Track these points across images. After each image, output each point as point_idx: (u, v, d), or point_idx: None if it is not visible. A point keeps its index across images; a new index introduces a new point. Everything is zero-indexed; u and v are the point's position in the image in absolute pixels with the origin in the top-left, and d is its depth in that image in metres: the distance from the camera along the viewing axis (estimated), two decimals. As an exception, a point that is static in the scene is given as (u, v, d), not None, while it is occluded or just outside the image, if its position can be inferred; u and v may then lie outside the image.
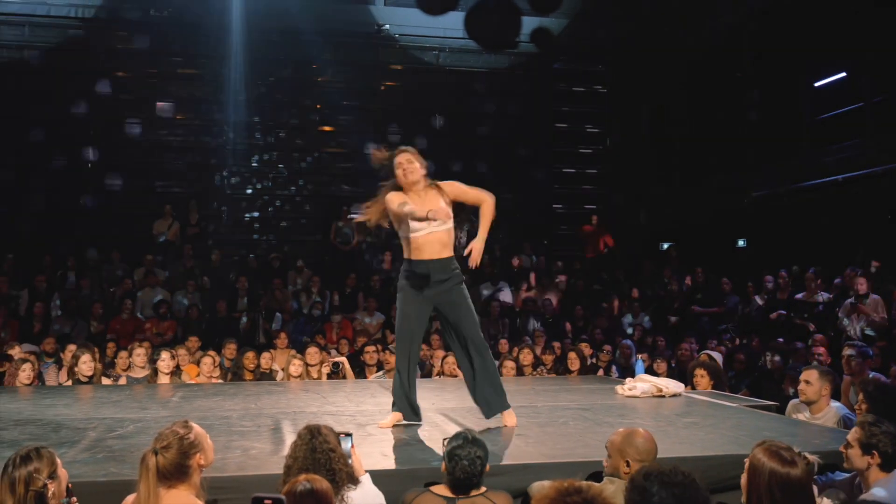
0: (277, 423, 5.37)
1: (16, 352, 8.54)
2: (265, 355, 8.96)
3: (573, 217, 16.14)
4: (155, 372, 7.91)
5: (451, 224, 5.24)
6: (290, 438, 3.65)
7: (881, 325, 9.28)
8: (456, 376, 8.63)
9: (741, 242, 15.02)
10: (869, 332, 9.22)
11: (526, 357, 9.22)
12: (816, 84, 13.61)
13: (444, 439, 3.71)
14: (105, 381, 8.08)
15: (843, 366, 6.72)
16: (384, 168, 5.30)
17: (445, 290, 5.18)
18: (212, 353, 8.82)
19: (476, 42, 15.67)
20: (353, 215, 14.21)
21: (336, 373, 8.40)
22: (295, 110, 15.72)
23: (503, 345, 10.29)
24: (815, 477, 3.82)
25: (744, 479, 3.33)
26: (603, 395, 6.90)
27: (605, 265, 14.66)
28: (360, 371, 9.18)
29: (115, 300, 11.98)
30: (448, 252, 5.22)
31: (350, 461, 3.59)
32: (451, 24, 15.27)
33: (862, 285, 9.58)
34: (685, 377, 7.87)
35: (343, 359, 8.84)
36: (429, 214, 4.86)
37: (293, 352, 9.24)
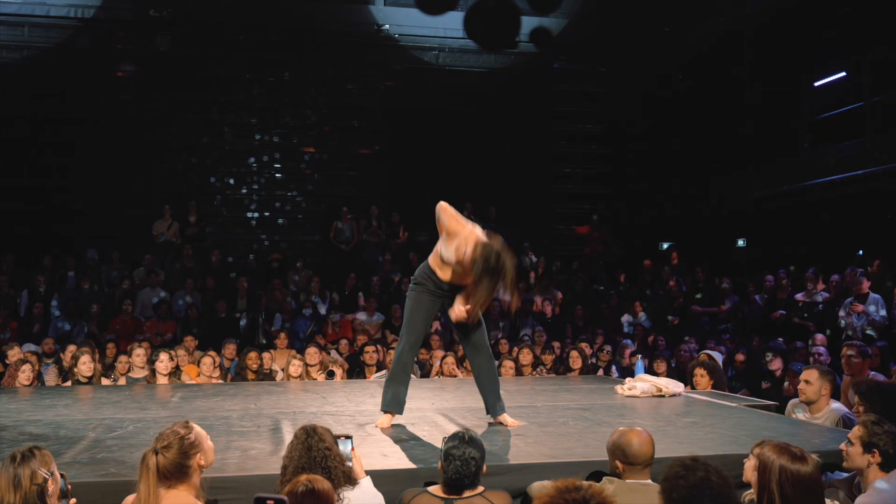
0: (277, 424, 5.37)
1: (14, 353, 8.53)
2: (265, 355, 8.97)
3: (573, 217, 16.15)
4: (154, 373, 7.91)
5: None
6: (289, 439, 3.66)
7: (881, 324, 9.29)
8: (455, 376, 8.65)
9: (741, 242, 15.02)
10: (869, 331, 9.22)
11: (525, 357, 9.24)
12: (816, 84, 13.61)
13: (444, 438, 3.72)
14: (105, 381, 8.09)
15: (843, 365, 6.72)
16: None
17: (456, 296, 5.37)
18: (212, 353, 8.82)
19: (476, 42, 15.68)
20: (350, 216, 14.25)
21: (331, 378, 8.41)
22: (294, 110, 15.71)
23: (503, 345, 10.30)
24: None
25: (752, 477, 3.35)
26: (603, 395, 6.91)
27: (604, 265, 14.66)
28: (359, 371, 9.18)
29: (115, 300, 11.98)
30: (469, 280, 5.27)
31: (349, 463, 3.60)
32: (451, 24, 15.26)
33: (862, 285, 9.59)
34: (685, 377, 7.88)
35: (338, 368, 8.80)
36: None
37: (293, 352, 9.25)
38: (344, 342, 10.49)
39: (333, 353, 9.94)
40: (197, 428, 3.31)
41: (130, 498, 3.25)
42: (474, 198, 14.60)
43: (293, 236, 15.48)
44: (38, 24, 14.19)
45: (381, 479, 3.88)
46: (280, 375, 8.82)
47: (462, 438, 3.62)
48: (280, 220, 15.57)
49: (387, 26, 15.16)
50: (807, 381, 5.62)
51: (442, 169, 14.87)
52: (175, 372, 8.09)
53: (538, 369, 9.30)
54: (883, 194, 11.64)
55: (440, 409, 6.10)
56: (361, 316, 11.97)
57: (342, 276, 13.09)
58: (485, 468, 3.68)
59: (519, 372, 9.02)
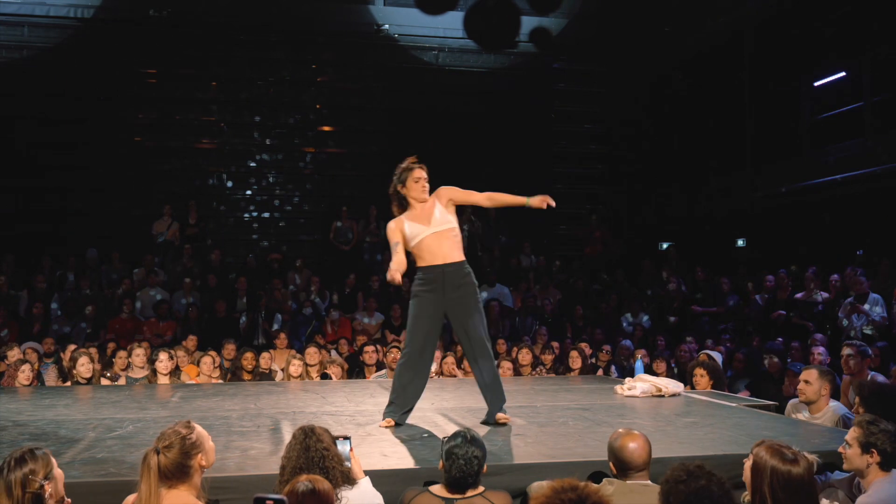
0: (277, 424, 5.38)
1: (14, 353, 8.52)
2: (264, 355, 8.97)
3: (573, 217, 16.15)
4: (154, 373, 7.92)
5: (453, 226, 5.36)
6: (289, 439, 3.66)
7: (881, 324, 9.29)
8: (454, 376, 8.65)
9: (741, 242, 15.03)
10: (869, 331, 9.22)
11: (525, 357, 9.24)
12: (816, 84, 13.62)
13: (444, 438, 3.72)
14: (104, 381, 8.09)
15: (843, 365, 6.73)
16: (399, 174, 5.47)
17: (458, 297, 5.25)
18: (212, 353, 8.83)
19: (475, 42, 15.69)
20: (350, 216, 14.24)
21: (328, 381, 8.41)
22: (294, 110, 15.71)
23: (501, 344, 10.30)
24: (815, 476, 3.83)
25: (747, 477, 3.35)
26: (602, 395, 6.91)
27: (604, 265, 14.67)
28: (359, 371, 9.19)
29: (115, 300, 11.98)
30: (458, 256, 5.29)
31: (348, 464, 3.60)
32: (451, 23, 15.29)
33: (862, 285, 9.60)
34: (685, 377, 7.88)
35: (337, 367, 8.80)
36: (388, 276, 5.07)
37: (293, 352, 9.26)
38: (343, 342, 10.50)
39: (333, 353, 9.95)
40: (198, 428, 3.31)
41: (131, 498, 3.26)
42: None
43: (293, 236, 15.49)
44: (38, 24, 14.20)
45: (381, 479, 3.88)
46: (280, 375, 8.83)
47: (464, 437, 3.63)
48: (280, 221, 15.57)
49: (386, 26, 15.17)
50: (806, 381, 5.63)
51: (441, 169, 14.78)
52: (175, 372, 8.09)
53: (538, 369, 9.30)
54: (883, 194, 11.64)
55: (440, 409, 6.10)
56: (361, 316, 11.98)
57: (342, 276, 13.09)
58: (485, 468, 3.69)
59: (518, 372, 9.02)
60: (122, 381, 8.09)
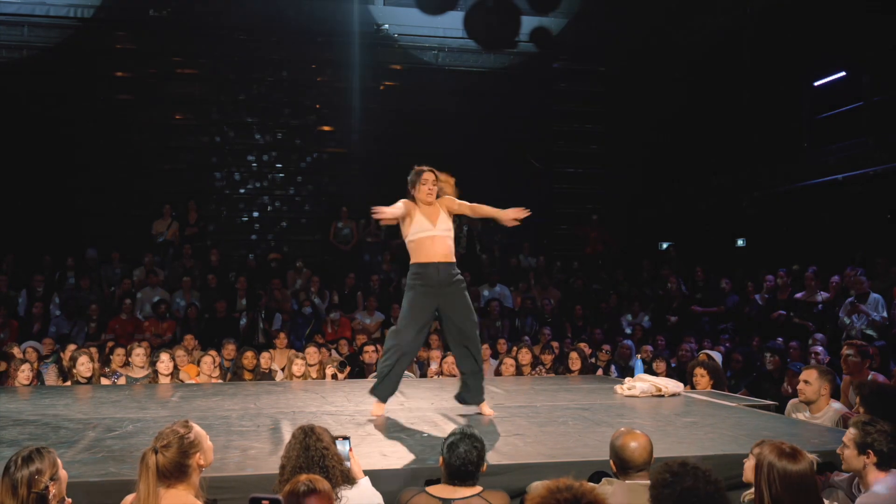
0: (276, 423, 5.38)
1: (15, 352, 8.53)
2: (264, 355, 8.97)
3: (573, 216, 16.14)
4: (155, 373, 7.92)
5: (452, 234, 5.86)
6: (288, 438, 3.66)
7: (881, 324, 9.29)
8: (455, 376, 8.64)
9: (741, 242, 15.02)
10: (869, 332, 9.22)
11: (524, 357, 9.23)
12: (816, 83, 13.62)
13: (444, 438, 3.74)
14: (104, 381, 8.09)
15: (842, 365, 6.73)
16: (412, 176, 5.98)
17: (450, 292, 5.67)
18: (212, 352, 8.82)
19: (475, 42, 15.68)
20: (350, 216, 14.24)
21: (342, 371, 8.39)
22: (294, 110, 15.71)
23: (501, 344, 10.31)
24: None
25: (749, 475, 3.36)
26: (602, 395, 6.91)
27: (604, 265, 14.66)
28: (359, 371, 9.19)
29: (115, 300, 11.98)
30: (451, 258, 5.77)
31: (347, 463, 3.60)
32: (451, 23, 15.28)
33: (862, 285, 9.60)
34: (686, 377, 7.88)
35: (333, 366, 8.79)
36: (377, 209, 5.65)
37: (294, 352, 9.25)
38: (343, 342, 10.50)
39: (333, 352, 9.94)
40: (196, 427, 3.31)
41: (130, 497, 3.26)
42: (473, 197, 14.55)
43: (293, 236, 15.48)
44: (38, 24, 14.20)
45: (381, 478, 3.89)
46: (280, 375, 8.82)
47: (464, 432, 3.66)
48: (280, 221, 15.57)
49: (386, 26, 15.16)
50: (806, 381, 5.63)
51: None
52: (175, 372, 8.09)
53: (537, 369, 9.30)
54: (883, 193, 11.64)
55: (439, 409, 6.11)
56: (361, 316, 11.98)
57: (342, 275, 13.09)
58: (485, 466, 3.69)
59: (518, 371, 9.02)
60: (122, 381, 8.09)
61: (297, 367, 8.40)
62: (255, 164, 15.47)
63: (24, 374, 7.67)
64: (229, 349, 9.34)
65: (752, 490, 3.40)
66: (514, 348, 9.55)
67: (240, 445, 4.65)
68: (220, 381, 8.48)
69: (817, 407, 5.62)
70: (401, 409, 6.09)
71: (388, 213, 5.62)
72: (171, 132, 15.08)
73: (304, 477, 3.17)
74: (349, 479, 3.58)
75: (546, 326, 11.58)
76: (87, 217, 14.09)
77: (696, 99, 15.38)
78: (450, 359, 8.89)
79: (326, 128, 15.85)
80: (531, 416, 5.73)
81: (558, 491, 2.55)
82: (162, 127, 15.01)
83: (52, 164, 14.02)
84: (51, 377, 8.25)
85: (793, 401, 6.06)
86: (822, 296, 10.53)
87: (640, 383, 6.90)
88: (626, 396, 6.76)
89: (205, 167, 15.30)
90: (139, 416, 5.70)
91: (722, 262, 13.77)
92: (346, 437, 3.70)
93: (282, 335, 10.17)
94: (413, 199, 5.88)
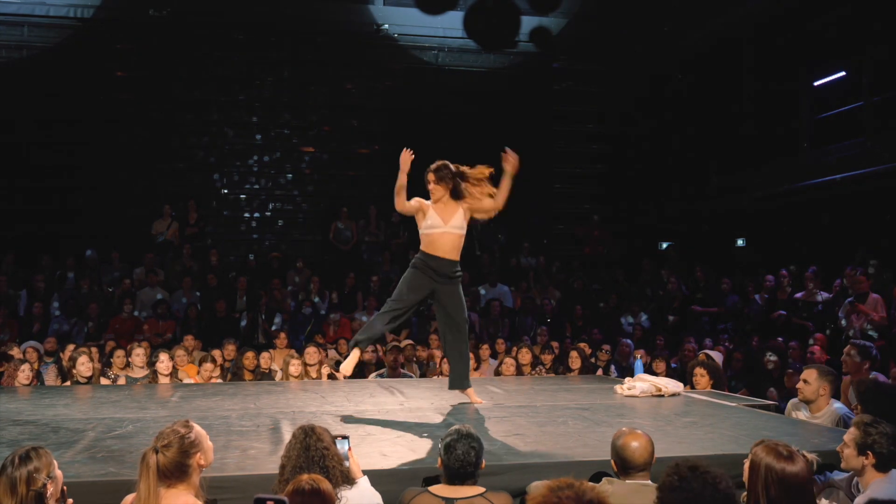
0: (276, 423, 5.37)
1: (15, 352, 8.53)
2: (264, 355, 8.97)
3: (572, 217, 16.14)
4: (154, 373, 7.92)
5: (463, 232, 6.20)
6: (288, 438, 3.66)
7: (881, 324, 9.29)
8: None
9: (741, 242, 15.03)
10: (871, 332, 9.21)
11: (524, 356, 9.23)
12: (816, 83, 13.62)
13: (441, 438, 3.74)
14: (104, 381, 8.09)
15: (843, 365, 6.73)
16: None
17: (448, 284, 6.07)
18: (215, 352, 8.83)
19: (475, 42, 15.68)
20: (350, 216, 14.24)
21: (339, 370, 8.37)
22: (294, 110, 15.71)
23: (500, 344, 10.30)
24: (815, 476, 3.83)
25: (745, 476, 3.35)
26: (602, 395, 6.90)
27: (604, 265, 14.66)
28: (358, 370, 9.17)
29: (115, 300, 11.99)
30: (456, 256, 6.12)
31: (347, 463, 3.61)
32: (451, 23, 15.28)
33: (862, 285, 9.60)
34: (686, 377, 7.88)
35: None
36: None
37: (292, 352, 9.24)
38: (343, 342, 10.47)
39: (332, 352, 9.95)
40: (197, 427, 3.31)
41: (130, 497, 3.26)
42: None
43: (293, 236, 15.49)
44: (38, 24, 14.20)
45: (381, 478, 3.89)
46: (279, 375, 8.82)
47: (461, 432, 3.66)
48: (280, 221, 15.57)
49: (386, 26, 15.17)
50: (805, 381, 5.63)
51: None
52: (175, 372, 8.09)
53: (537, 369, 9.30)
54: (883, 193, 11.64)
55: (439, 408, 6.10)
56: (361, 315, 11.97)
57: (342, 275, 13.09)
58: (483, 463, 3.69)
59: (518, 371, 9.01)
60: (122, 381, 8.09)
61: (294, 368, 8.38)
62: (255, 165, 15.47)
63: (24, 375, 7.67)
64: (229, 349, 9.34)
65: None
66: (514, 348, 9.55)
67: (240, 445, 4.65)
68: (219, 380, 8.47)
69: (817, 406, 5.61)
70: (401, 409, 6.09)
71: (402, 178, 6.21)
72: (171, 132, 15.07)
73: (305, 477, 3.17)
74: (349, 480, 3.58)
75: (543, 326, 11.58)
76: (87, 217, 14.08)
77: (696, 99, 15.40)
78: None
79: (326, 128, 15.85)
80: (531, 416, 5.73)
81: (559, 490, 2.55)
82: (162, 127, 15.01)
83: (51, 163, 14.02)
84: (50, 377, 8.25)
85: (793, 400, 6.06)
86: (822, 296, 10.53)
87: (640, 383, 6.89)
88: (626, 396, 6.75)
89: (205, 167, 15.30)
90: (139, 416, 5.69)
91: (722, 262, 13.77)
92: (345, 437, 3.70)
93: (282, 335, 10.18)
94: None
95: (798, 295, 10.82)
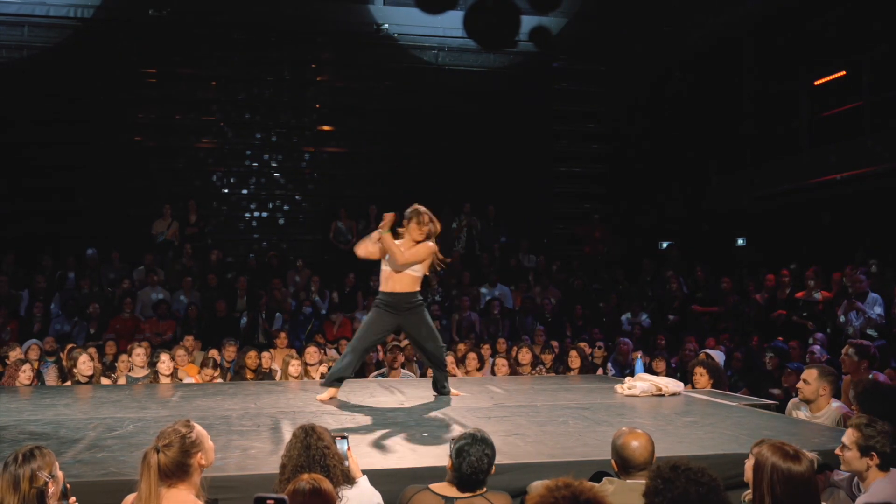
0: (277, 423, 5.38)
1: (16, 353, 8.53)
2: (264, 355, 8.97)
3: (572, 216, 16.14)
4: (155, 373, 7.92)
5: (419, 273, 6.43)
6: (289, 438, 3.67)
7: (879, 324, 9.28)
8: (454, 375, 8.65)
9: (741, 241, 15.03)
10: (871, 332, 9.21)
11: (524, 356, 9.23)
12: (816, 83, 13.62)
13: (452, 440, 3.72)
14: (104, 381, 8.09)
15: (841, 364, 6.73)
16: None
17: (410, 315, 6.42)
18: (213, 352, 8.82)
19: (475, 41, 15.67)
20: (349, 216, 14.25)
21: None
22: (294, 110, 15.71)
23: (501, 344, 10.30)
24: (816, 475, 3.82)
25: (749, 475, 3.35)
26: (602, 395, 6.91)
27: (604, 264, 14.66)
28: (359, 370, 9.17)
29: (115, 300, 11.99)
30: (414, 288, 6.43)
31: (347, 462, 3.61)
32: (451, 23, 15.27)
33: (861, 284, 9.59)
34: (687, 376, 7.88)
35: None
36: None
37: (292, 352, 9.24)
38: (344, 342, 10.45)
39: (332, 352, 9.94)
40: (198, 427, 3.32)
41: (131, 497, 3.26)
42: (473, 197, 14.62)
43: (293, 236, 15.49)
44: (38, 24, 14.19)
45: (381, 478, 3.89)
46: (279, 375, 8.82)
47: (475, 437, 3.63)
48: (280, 220, 15.57)
49: (386, 25, 15.16)
50: (805, 381, 5.63)
51: (441, 168, 14.88)
52: (175, 372, 8.09)
53: (537, 368, 9.30)
54: (883, 193, 11.64)
55: (440, 408, 6.11)
56: (361, 315, 11.96)
57: (342, 275, 13.08)
58: (493, 469, 3.69)
59: (518, 371, 9.02)
60: (122, 381, 8.09)
61: (294, 368, 8.39)
62: (255, 164, 15.47)
63: (24, 375, 7.67)
64: (230, 349, 9.33)
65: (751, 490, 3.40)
66: (515, 348, 9.55)
67: (240, 445, 4.65)
68: (219, 380, 8.47)
69: (817, 406, 5.62)
70: (401, 409, 6.09)
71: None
72: (170, 132, 15.09)
73: (306, 476, 3.17)
74: (349, 479, 3.58)
75: (543, 326, 11.58)
76: (88, 217, 14.07)
77: (696, 98, 15.39)
78: (449, 358, 8.87)
79: (326, 127, 15.86)
80: (531, 416, 5.73)
81: (557, 489, 2.55)
82: (162, 126, 15.03)
83: (51, 163, 14.00)
84: (51, 377, 8.25)
85: (793, 400, 6.06)
86: (822, 295, 10.53)
87: (641, 383, 6.89)
88: (627, 396, 6.75)
89: (205, 167, 15.30)
90: (139, 415, 5.70)
91: (722, 262, 13.76)
92: (344, 436, 3.70)
93: (282, 335, 10.18)
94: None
95: (798, 294, 10.82)
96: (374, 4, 15.20)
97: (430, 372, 9.24)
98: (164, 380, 7.89)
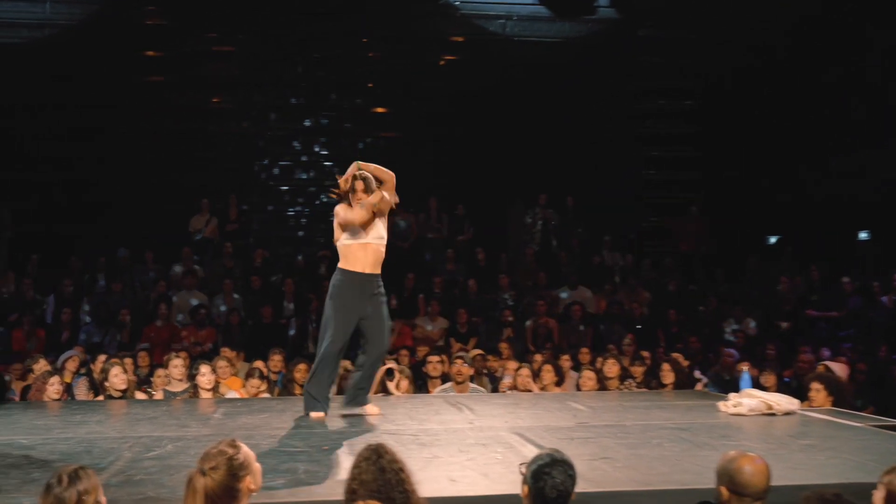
0: (331, 444, 5.43)
1: (40, 365, 8.76)
2: (315, 367, 9.03)
3: (665, 207, 15.94)
4: (195, 387, 8.06)
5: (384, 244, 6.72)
6: (344, 460, 3.71)
7: None
8: (530, 391, 8.63)
9: (864, 235, 14.68)
10: None
11: (611, 369, 9.14)
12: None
13: (521, 464, 3.69)
14: (139, 395, 8.28)
15: None
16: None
17: (373, 305, 6.53)
18: (258, 363, 8.94)
19: (548, 8, 15.59)
20: (407, 209, 14.31)
21: (391, 379, 8.35)
22: (344, 90, 15.83)
23: (583, 354, 10.23)
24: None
25: None
26: (703, 413, 6.84)
27: (702, 263, 14.46)
28: (421, 384, 9.21)
29: (149, 305, 12.21)
30: (378, 269, 6.60)
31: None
32: (519, -12, 15.26)
33: None
34: (802, 392, 7.74)
35: (395, 365, 8.78)
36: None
37: (346, 363, 9.29)
38: (405, 352, 10.46)
39: (391, 363, 9.96)
40: (244, 447, 3.37)
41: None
42: (549, 186, 14.54)
43: (345, 233, 15.58)
44: (61, -1, 14.62)
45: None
46: (334, 389, 8.88)
47: (554, 457, 3.60)
48: (329, 215, 15.67)
49: (446, -8, 15.23)
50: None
51: (511, 154, 14.84)
52: (217, 385, 8.22)
53: (626, 383, 9.21)
54: None
55: (514, 427, 6.09)
56: (422, 322, 12.02)
57: (400, 277, 13.12)
58: (573, 495, 3.66)
59: (603, 385, 8.95)
60: (159, 396, 8.26)
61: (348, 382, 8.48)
62: (302, 153, 15.62)
63: (53, 388, 7.86)
64: (276, 360, 9.44)
65: None
66: (599, 359, 9.48)
67: (290, 468, 4.71)
68: (266, 395, 8.59)
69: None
70: (470, 429, 6.10)
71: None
72: (208, 117, 15.31)
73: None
74: None
75: (631, 334, 11.48)
76: (117, 212, 14.33)
77: (805, 68, 15.03)
78: (524, 371, 8.85)
79: (380, 109, 15.94)
80: (620, 437, 5.71)
81: None
82: (198, 111, 15.24)
83: (77, 153, 14.35)
84: (81, 391, 8.47)
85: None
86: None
87: (748, 400, 6.79)
88: (732, 415, 6.67)
89: (246, 156, 15.51)
90: (179, 434, 5.81)
91: (842, 259, 13.48)
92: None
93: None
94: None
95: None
96: (432, -30, 15.26)
97: (504, 386, 9.27)
98: (205, 394, 8.02)
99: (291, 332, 11.80)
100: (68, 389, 8.36)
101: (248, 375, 8.73)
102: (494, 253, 13.86)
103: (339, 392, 7.51)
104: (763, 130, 15.52)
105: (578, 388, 9.05)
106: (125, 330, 11.49)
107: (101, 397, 8.12)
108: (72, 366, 9.07)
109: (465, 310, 11.97)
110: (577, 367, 9.95)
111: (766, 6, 14.89)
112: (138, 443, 5.45)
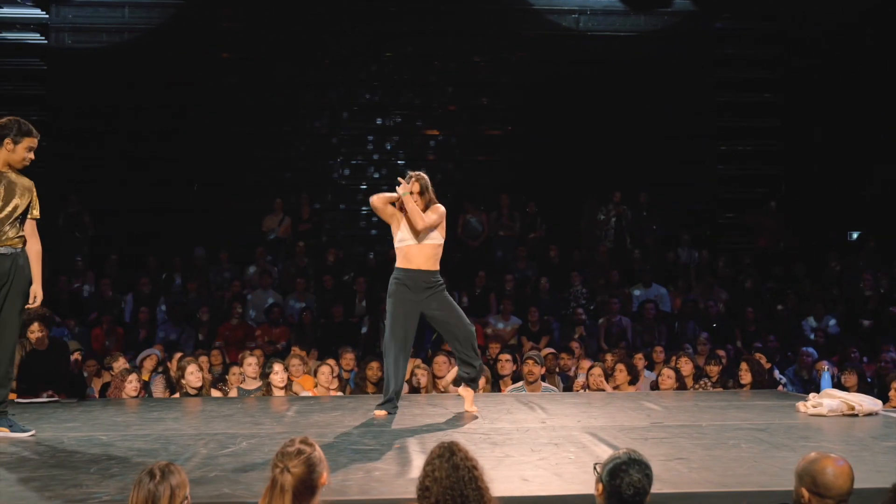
0: (402, 442, 5.48)
1: (120, 363, 9.01)
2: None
3: (742, 203, 15.70)
4: (268, 385, 8.20)
5: (439, 241, 7.11)
6: (416, 459, 3.73)
7: None
8: (603, 390, 8.58)
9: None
10: None
11: (686, 367, 9.06)
12: None
13: (596, 464, 3.67)
14: (214, 392, 8.46)
15: None
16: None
17: (432, 297, 6.79)
18: (330, 361, 9.05)
19: (622, 1, 15.46)
20: (479, 206, 14.32)
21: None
22: (417, 89, 15.91)
23: (658, 353, 10.15)
24: None
25: None
26: (781, 414, 6.72)
27: (780, 259, 14.20)
28: (493, 383, 9.23)
29: (224, 304, 12.45)
30: (434, 266, 6.96)
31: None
32: (593, -19, 15.16)
33: None
34: (884, 392, 7.57)
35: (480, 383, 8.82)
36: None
37: (418, 361, 9.36)
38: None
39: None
40: (316, 443, 3.44)
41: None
42: (623, 183, 14.41)
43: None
44: (140, 3, 15.02)
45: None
46: (405, 387, 8.96)
47: (629, 455, 3.57)
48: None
49: (518, -12, 15.18)
50: None
51: (584, 150, 14.78)
52: (290, 384, 8.35)
53: (701, 382, 9.10)
54: None
55: (587, 427, 6.07)
56: (494, 320, 12.03)
57: (471, 275, 13.15)
58: (648, 496, 3.62)
59: (680, 385, 8.85)
60: (233, 394, 8.43)
61: (421, 379, 8.54)
62: (374, 151, 15.75)
63: (131, 386, 8.10)
64: (348, 358, 9.55)
65: None
66: (674, 358, 9.38)
67: (363, 466, 4.76)
68: (338, 393, 8.70)
69: None
70: (542, 428, 6.09)
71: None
72: (281, 117, 15.52)
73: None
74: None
75: (707, 333, 11.34)
76: (194, 213, 14.67)
77: (891, 56, 14.64)
78: (597, 370, 8.81)
79: (452, 107, 15.99)
80: (696, 438, 5.64)
81: None
82: (271, 112, 15.46)
83: (153, 155, 14.71)
84: (158, 388, 8.69)
85: None
86: None
87: (828, 400, 6.65)
88: (811, 416, 6.55)
89: (319, 155, 15.71)
90: (253, 431, 5.92)
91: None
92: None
93: (407, 342, 10.31)
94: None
95: None
96: (504, -34, 15.26)
97: (577, 385, 9.24)
98: (278, 392, 8.16)
99: (363, 331, 11.91)
100: (146, 387, 8.59)
101: (317, 373, 8.84)
102: (567, 250, 13.81)
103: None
104: (848, 122, 15.18)
105: (653, 387, 8.98)
106: (202, 328, 11.74)
107: (176, 395, 8.33)
108: (150, 364, 9.34)
109: (536, 308, 11.94)
110: (650, 366, 9.88)
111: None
112: (213, 440, 5.57)
